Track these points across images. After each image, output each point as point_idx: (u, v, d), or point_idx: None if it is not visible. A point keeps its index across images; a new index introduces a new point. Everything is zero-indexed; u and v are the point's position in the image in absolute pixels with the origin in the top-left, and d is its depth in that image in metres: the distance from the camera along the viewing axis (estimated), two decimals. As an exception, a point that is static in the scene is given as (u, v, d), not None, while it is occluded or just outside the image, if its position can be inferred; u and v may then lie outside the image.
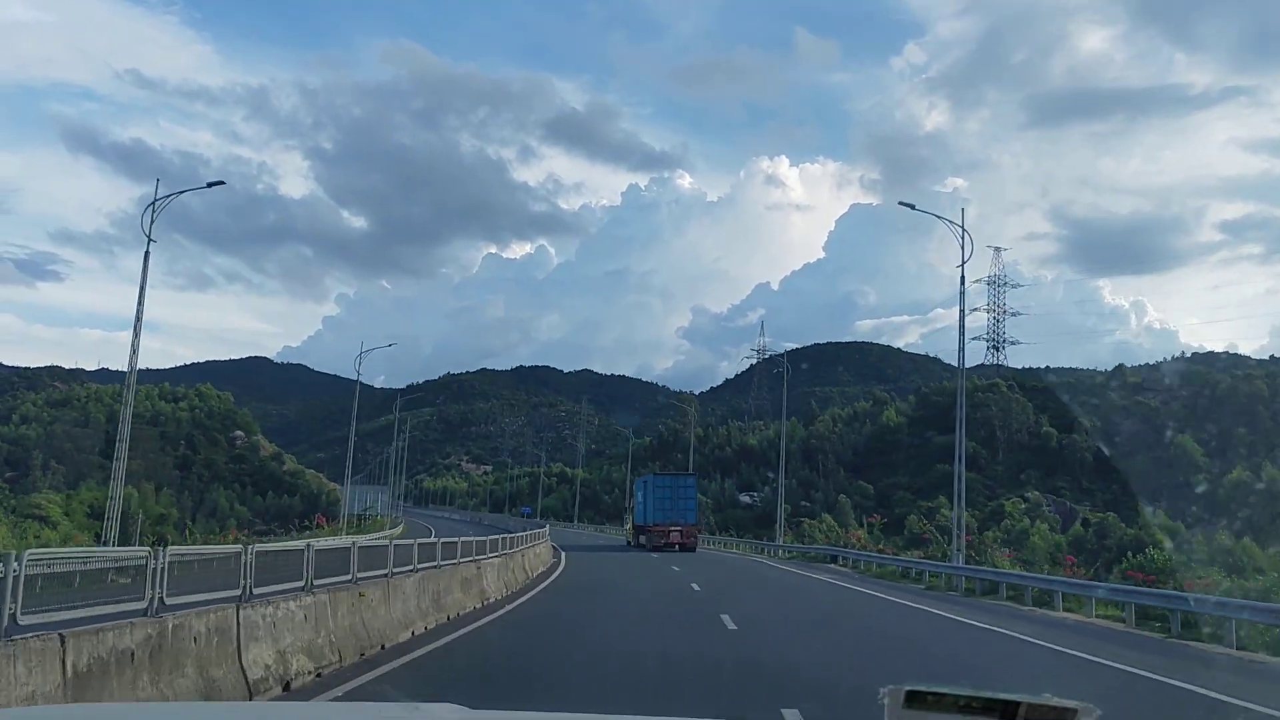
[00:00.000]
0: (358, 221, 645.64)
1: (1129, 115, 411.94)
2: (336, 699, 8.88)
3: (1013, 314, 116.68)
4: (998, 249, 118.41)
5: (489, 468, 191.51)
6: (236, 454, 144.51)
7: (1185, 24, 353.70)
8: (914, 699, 2.02)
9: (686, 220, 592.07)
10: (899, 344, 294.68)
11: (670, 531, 47.83)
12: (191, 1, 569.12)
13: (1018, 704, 1.99)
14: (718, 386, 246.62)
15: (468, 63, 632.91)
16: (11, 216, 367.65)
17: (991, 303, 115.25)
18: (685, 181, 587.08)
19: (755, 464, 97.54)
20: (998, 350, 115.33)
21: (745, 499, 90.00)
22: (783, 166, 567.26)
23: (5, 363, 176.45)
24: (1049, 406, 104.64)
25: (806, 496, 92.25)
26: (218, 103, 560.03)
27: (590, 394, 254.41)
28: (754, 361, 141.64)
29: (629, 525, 59.91)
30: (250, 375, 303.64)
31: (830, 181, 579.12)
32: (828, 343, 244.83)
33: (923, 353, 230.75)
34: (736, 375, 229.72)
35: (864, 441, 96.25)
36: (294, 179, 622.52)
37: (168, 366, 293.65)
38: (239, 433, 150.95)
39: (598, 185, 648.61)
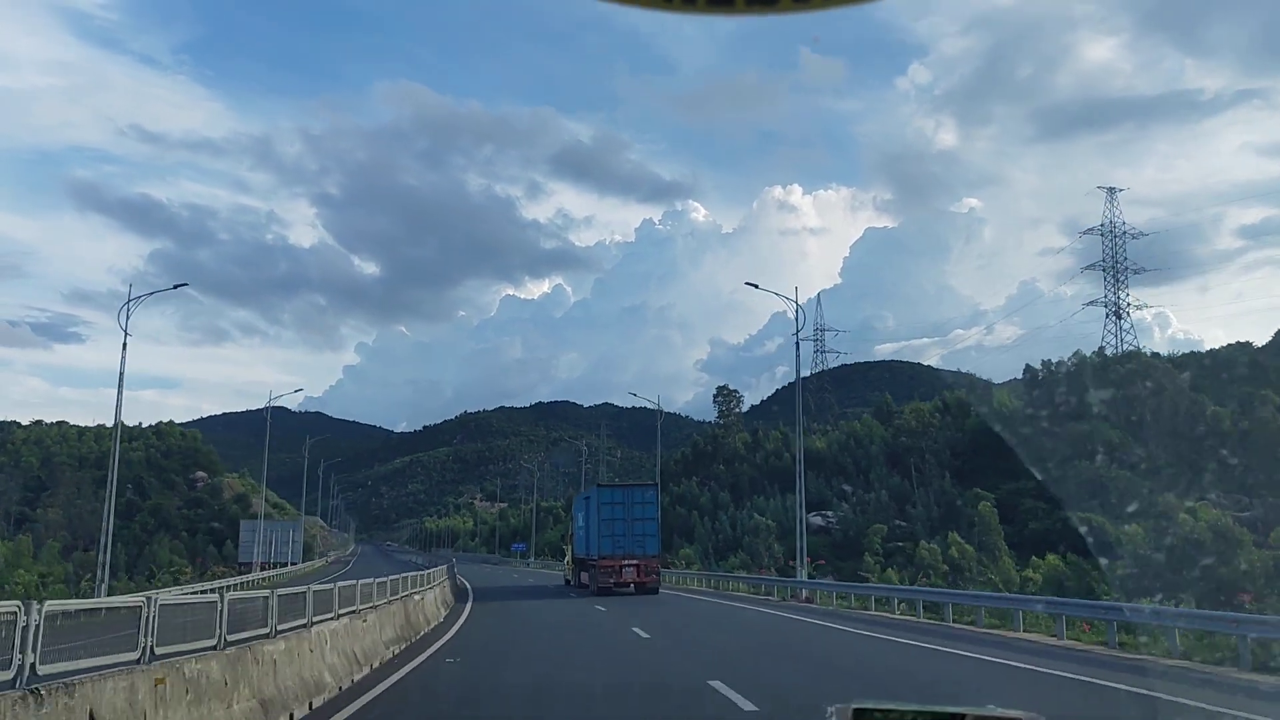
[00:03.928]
0: (369, 268, 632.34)
1: (1140, 124, 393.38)
2: None
3: (1135, 270, 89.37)
4: (1112, 189, 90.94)
5: (504, 505, 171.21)
6: (195, 498, 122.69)
7: (1193, 29, 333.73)
8: (862, 716, 2.01)
9: (702, 252, 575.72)
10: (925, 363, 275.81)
11: (623, 567, 35.42)
12: (201, 59, 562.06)
13: (963, 716, 2.03)
14: (744, 412, 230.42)
15: (470, 100, 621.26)
16: (29, 280, 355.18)
17: (1106, 259, 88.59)
18: (699, 214, 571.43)
19: (826, 474, 73.72)
20: (1119, 318, 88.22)
21: (817, 520, 66.54)
22: (795, 194, 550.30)
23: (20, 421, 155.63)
24: (1202, 385, 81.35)
25: (901, 513, 68.25)
26: (222, 154, 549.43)
27: (611, 427, 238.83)
28: (812, 345, 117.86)
29: (567, 558, 46.56)
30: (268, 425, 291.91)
31: (843, 206, 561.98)
32: (855, 363, 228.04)
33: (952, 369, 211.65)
34: (764, 400, 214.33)
35: (968, 438, 72.20)
36: (303, 227, 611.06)
37: (185, 420, 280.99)
38: (200, 473, 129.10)
39: (608, 219, 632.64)
